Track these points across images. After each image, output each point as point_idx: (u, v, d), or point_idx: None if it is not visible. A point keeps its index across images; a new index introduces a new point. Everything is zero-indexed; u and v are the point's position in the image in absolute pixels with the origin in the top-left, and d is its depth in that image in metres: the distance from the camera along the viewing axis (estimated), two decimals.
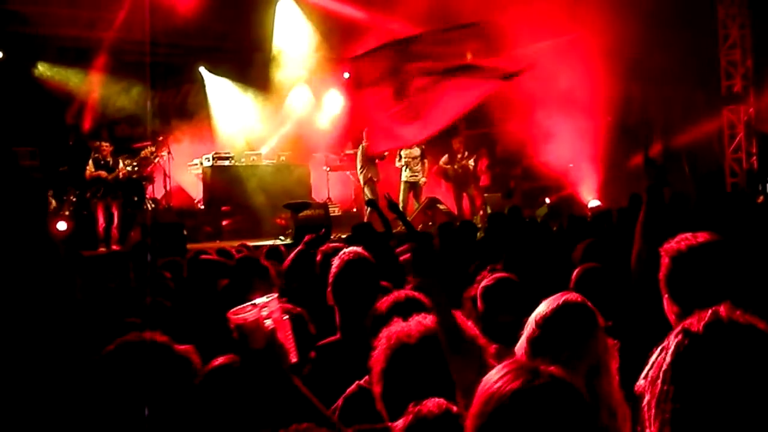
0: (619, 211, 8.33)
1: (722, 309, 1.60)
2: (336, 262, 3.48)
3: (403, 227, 6.80)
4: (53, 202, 13.57)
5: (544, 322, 2.50)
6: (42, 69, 15.70)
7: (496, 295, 3.69)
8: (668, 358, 1.57)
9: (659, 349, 1.62)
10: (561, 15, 13.30)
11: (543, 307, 2.55)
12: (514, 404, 1.54)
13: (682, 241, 2.59)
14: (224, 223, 14.49)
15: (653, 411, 1.55)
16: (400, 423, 1.94)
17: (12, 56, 15.14)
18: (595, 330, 2.51)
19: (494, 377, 1.62)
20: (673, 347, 1.58)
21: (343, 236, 10.02)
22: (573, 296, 2.58)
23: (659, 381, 1.56)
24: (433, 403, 1.94)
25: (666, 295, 2.57)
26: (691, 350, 1.55)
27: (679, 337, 1.59)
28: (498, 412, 1.55)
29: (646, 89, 14.63)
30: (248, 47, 17.81)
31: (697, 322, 1.58)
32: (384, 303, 2.85)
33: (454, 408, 1.94)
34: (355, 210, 15.54)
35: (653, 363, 1.63)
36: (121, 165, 12.81)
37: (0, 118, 14.29)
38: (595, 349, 2.47)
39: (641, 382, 1.73)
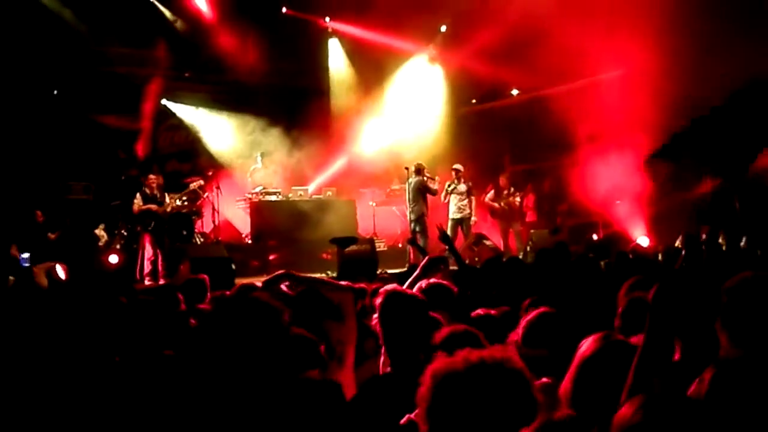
0: (667, 249, 8.22)
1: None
2: (378, 299, 3.50)
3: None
4: (105, 235, 13.84)
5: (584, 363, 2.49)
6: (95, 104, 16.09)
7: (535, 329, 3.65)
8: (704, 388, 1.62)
9: (697, 380, 1.68)
10: (611, 50, 13.26)
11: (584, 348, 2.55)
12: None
13: (741, 279, 2.57)
14: (271, 257, 14.58)
15: None
16: None
17: (67, 92, 15.54)
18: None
19: None
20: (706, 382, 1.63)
21: (389, 271, 10.05)
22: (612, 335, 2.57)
23: None
24: None
25: (724, 333, 2.54)
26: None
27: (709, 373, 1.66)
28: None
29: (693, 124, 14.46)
30: (297, 85, 18.08)
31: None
32: (440, 335, 2.85)
33: None
34: (400, 245, 15.54)
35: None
36: (168, 200, 13.03)
37: (55, 153, 14.70)
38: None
39: None
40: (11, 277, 11.62)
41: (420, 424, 2.18)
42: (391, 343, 3.40)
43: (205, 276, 6.71)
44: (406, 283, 4.71)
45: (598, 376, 2.45)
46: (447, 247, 6.37)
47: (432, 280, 4.42)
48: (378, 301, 3.47)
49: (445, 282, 4.47)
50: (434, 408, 2.07)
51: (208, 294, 6.30)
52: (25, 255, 12.12)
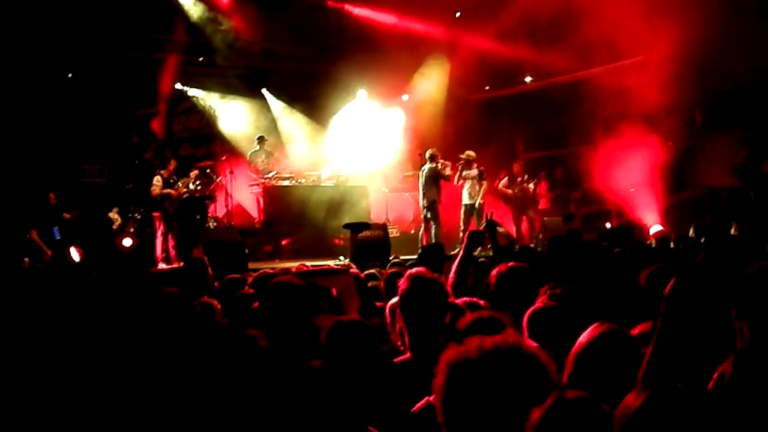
0: (681, 238, 8.19)
1: None
2: (402, 283, 3.50)
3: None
4: (119, 218, 13.92)
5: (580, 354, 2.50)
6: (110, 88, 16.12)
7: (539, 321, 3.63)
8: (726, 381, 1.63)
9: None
10: (628, 38, 13.17)
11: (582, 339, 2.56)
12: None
13: (760, 268, 2.56)
14: (284, 242, 14.61)
15: None
16: None
17: (82, 76, 15.57)
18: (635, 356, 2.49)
19: None
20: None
21: (402, 257, 10.07)
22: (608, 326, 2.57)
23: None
24: None
25: (745, 321, 2.54)
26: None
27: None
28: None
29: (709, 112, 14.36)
30: (311, 70, 18.07)
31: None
32: (464, 321, 2.85)
33: None
34: (413, 231, 15.55)
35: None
36: (180, 184, 13.12)
37: (70, 137, 14.76)
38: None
39: None
40: (26, 259, 11.76)
41: (437, 411, 2.14)
42: (413, 327, 3.41)
43: (204, 257, 6.70)
44: (455, 263, 4.63)
45: (596, 365, 2.46)
46: (488, 234, 6.32)
47: (510, 264, 4.36)
48: (402, 284, 3.48)
49: (522, 264, 4.42)
50: (450, 397, 2.04)
51: (210, 273, 6.25)
52: (56, 228, 12.29)
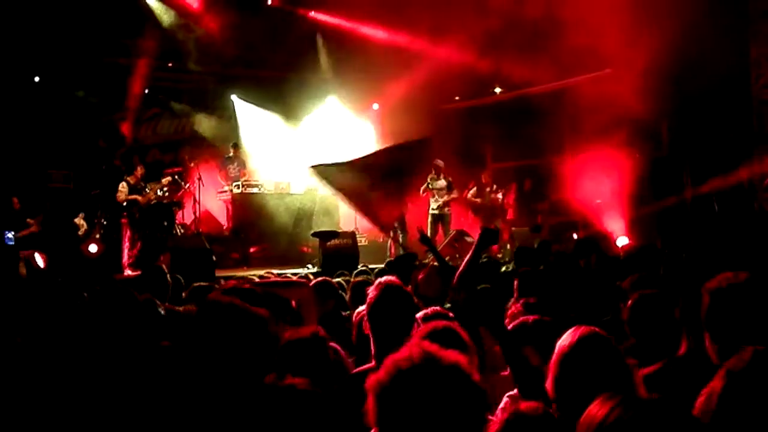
0: (650, 248, 8.28)
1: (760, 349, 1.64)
2: (372, 291, 3.50)
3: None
4: (85, 224, 13.76)
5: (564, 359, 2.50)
6: (77, 93, 15.95)
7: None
8: (714, 400, 1.66)
9: (708, 391, 1.70)
10: (599, 49, 13.30)
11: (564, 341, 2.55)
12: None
13: (722, 279, 2.58)
14: (252, 250, 14.55)
15: None
16: None
17: (49, 80, 15.41)
18: (617, 358, 2.50)
19: None
20: (719, 389, 1.66)
21: (371, 266, 10.06)
22: (586, 329, 2.58)
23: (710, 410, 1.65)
24: None
25: (706, 332, 2.57)
26: (736, 391, 1.58)
27: (724, 380, 1.67)
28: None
29: (676, 125, 14.55)
30: (280, 76, 18.03)
31: (738, 362, 1.62)
32: (421, 331, 2.86)
33: None
34: (381, 240, 15.55)
35: (701, 406, 1.71)
36: (148, 190, 13.03)
37: (36, 141, 14.57)
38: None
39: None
40: None
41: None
42: (379, 336, 3.41)
43: (164, 264, 6.65)
44: (463, 264, 4.56)
45: (578, 369, 2.46)
46: (427, 248, 6.38)
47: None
48: (372, 292, 3.47)
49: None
50: (382, 423, 1.94)
51: (169, 282, 6.18)
52: (10, 234, 11.99)
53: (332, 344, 3.58)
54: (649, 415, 1.56)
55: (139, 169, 13.25)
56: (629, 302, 3.72)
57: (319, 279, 6.43)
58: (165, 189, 13.62)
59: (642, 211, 14.00)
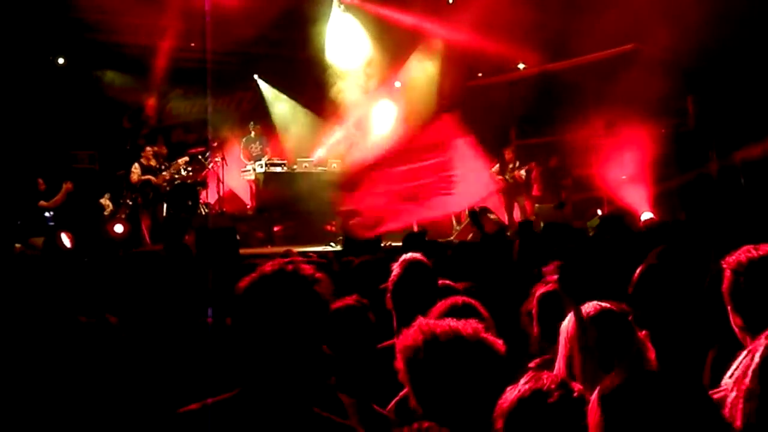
0: (675, 223, 8.21)
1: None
2: (396, 267, 3.52)
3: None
4: (110, 205, 13.88)
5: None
6: (101, 75, 16.04)
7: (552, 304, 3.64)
8: (756, 360, 1.71)
9: (746, 351, 1.81)
10: (620, 25, 13.14)
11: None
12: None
13: (743, 253, 2.54)
14: (275, 228, 14.61)
15: (739, 406, 1.69)
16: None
17: (73, 62, 15.49)
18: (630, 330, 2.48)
19: None
20: (760, 350, 1.72)
21: (393, 244, 10.07)
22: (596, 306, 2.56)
23: (746, 380, 1.71)
24: None
25: (729, 307, 2.53)
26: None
27: (766, 341, 1.74)
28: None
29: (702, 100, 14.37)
30: (303, 56, 17.97)
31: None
32: (439, 307, 2.86)
33: None
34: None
35: (739, 364, 1.84)
36: (164, 171, 13.15)
37: (61, 123, 14.68)
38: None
39: (727, 380, 1.94)
40: (18, 245, 11.70)
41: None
42: (402, 312, 3.42)
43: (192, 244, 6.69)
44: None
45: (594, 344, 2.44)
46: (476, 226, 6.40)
47: None
48: (396, 269, 3.51)
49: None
50: (414, 383, 2.14)
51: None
52: (49, 214, 12.24)
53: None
54: (660, 389, 1.56)
55: (148, 149, 13.36)
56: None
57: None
58: (188, 169, 13.69)
59: (667, 186, 13.86)
